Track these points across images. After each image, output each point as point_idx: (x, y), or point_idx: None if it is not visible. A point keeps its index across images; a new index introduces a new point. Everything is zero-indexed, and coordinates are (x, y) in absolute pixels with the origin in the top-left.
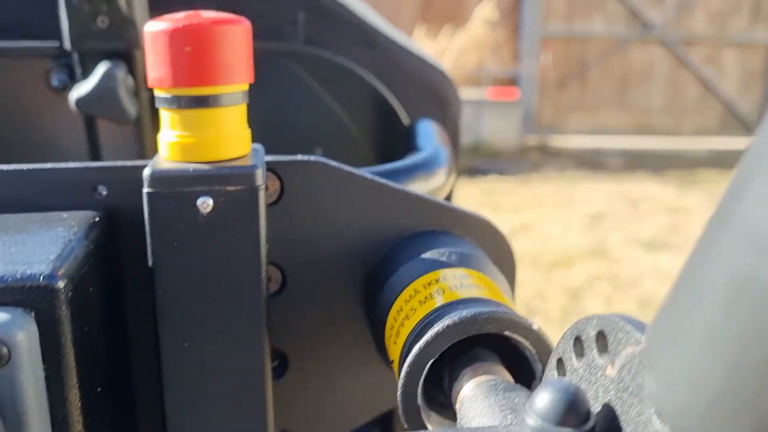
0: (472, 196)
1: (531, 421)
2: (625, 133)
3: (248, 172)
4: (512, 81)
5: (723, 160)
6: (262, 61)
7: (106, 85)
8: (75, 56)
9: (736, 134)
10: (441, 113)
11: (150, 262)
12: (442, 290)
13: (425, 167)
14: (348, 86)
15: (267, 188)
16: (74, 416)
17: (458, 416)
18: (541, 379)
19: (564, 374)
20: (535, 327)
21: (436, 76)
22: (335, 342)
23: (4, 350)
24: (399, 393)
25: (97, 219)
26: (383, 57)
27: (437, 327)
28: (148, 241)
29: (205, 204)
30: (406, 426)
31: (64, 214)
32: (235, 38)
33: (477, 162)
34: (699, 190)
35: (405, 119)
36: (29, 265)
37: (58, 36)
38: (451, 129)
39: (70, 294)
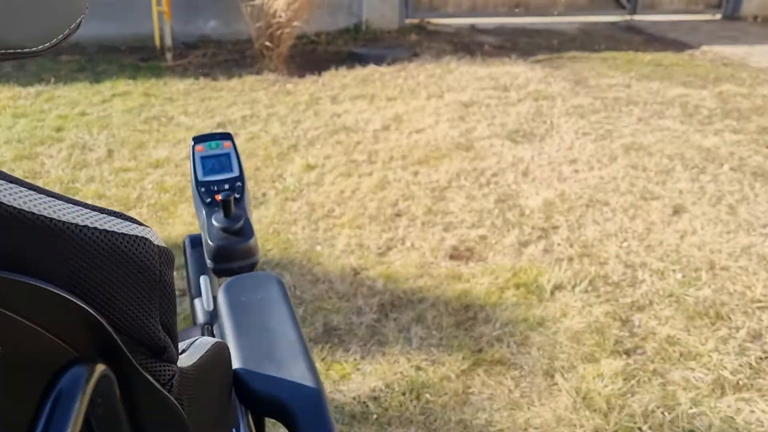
0: (349, 88)
1: None
2: (502, 12)
3: None
4: None
5: (591, 33)
6: None
7: None
8: None
9: (605, 9)
10: (142, 278)
11: None
12: None
13: None
14: (45, 306)
15: None
16: None
17: None
18: None
19: None
20: None
21: (131, 245)
22: None
23: None
24: None
25: None
26: (71, 248)
27: None
28: None
29: None
30: None
31: None
32: None
33: (357, 47)
34: (565, 74)
35: (114, 337)
36: None
37: None
38: (158, 287)
39: None
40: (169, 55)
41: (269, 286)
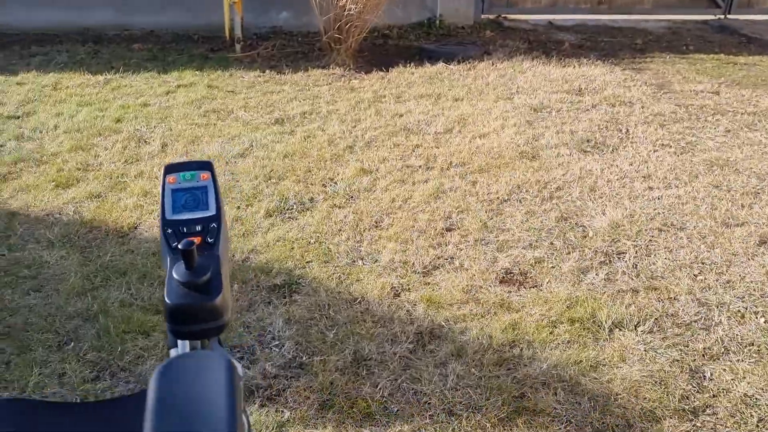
0: (415, 86)
1: None
2: (584, 8)
3: None
4: None
5: (679, 33)
6: None
7: None
8: None
9: (697, 7)
10: None
11: None
12: None
13: None
14: None
15: None
16: None
17: None
18: None
19: None
20: None
21: None
22: None
23: None
24: None
25: None
26: None
27: None
28: None
29: None
30: None
31: None
32: None
33: (428, 43)
34: (646, 77)
35: None
36: None
37: None
38: None
39: None
40: (237, 47)
41: (215, 373)
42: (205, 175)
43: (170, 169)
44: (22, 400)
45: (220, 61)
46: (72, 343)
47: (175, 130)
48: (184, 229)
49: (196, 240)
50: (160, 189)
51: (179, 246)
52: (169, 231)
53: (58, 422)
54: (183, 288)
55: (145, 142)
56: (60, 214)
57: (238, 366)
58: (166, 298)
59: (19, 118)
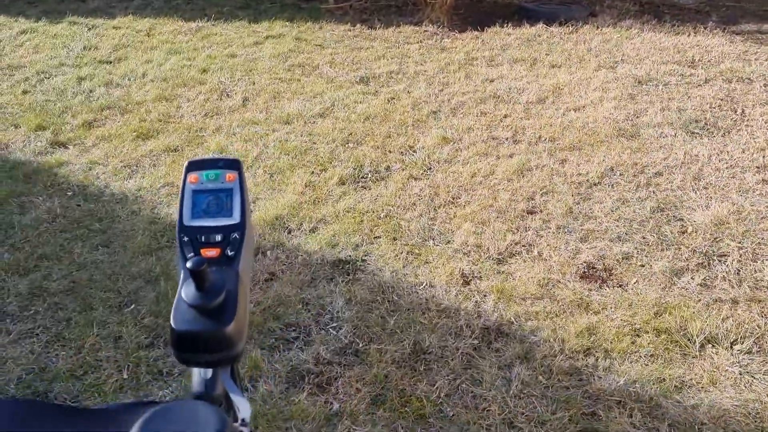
0: (510, 48)
1: None
2: None
3: None
4: None
5: None
6: None
7: None
8: None
9: None
10: None
11: None
12: None
13: None
14: None
15: None
16: None
17: None
18: None
19: None
20: None
21: None
22: None
23: None
24: None
25: None
26: None
27: None
28: None
29: None
30: None
31: None
32: None
33: (529, 1)
34: None
35: None
36: None
37: None
38: None
39: None
40: None
41: (204, 429)
42: (231, 175)
43: (193, 166)
44: (17, 401)
45: (311, 11)
46: (132, 306)
47: (258, 84)
48: (202, 238)
49: (215, 252)
50: (180, 187)
51: (188, 265)
52: (185, 239)
53: (53, 424)
54: (191, 311)
55: (227, 95)
56: (137, 166)
57: (243, 404)
58: (171, 322)
59: (110, 63)
